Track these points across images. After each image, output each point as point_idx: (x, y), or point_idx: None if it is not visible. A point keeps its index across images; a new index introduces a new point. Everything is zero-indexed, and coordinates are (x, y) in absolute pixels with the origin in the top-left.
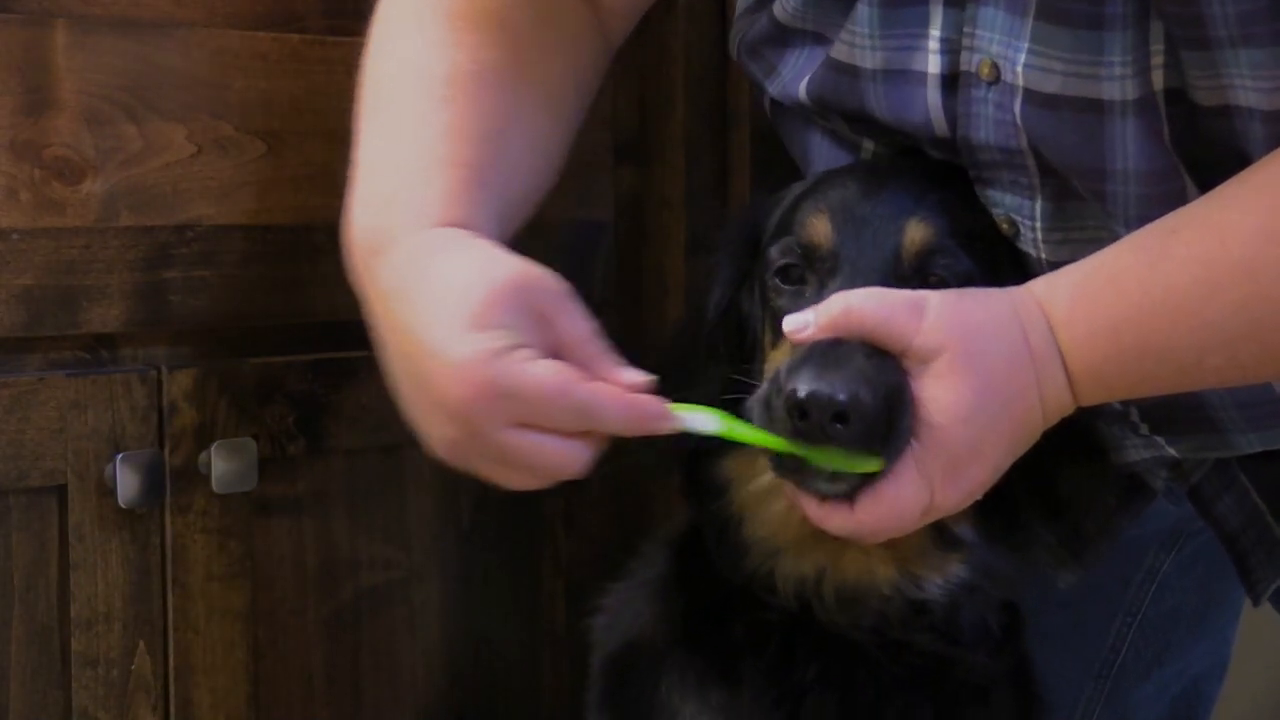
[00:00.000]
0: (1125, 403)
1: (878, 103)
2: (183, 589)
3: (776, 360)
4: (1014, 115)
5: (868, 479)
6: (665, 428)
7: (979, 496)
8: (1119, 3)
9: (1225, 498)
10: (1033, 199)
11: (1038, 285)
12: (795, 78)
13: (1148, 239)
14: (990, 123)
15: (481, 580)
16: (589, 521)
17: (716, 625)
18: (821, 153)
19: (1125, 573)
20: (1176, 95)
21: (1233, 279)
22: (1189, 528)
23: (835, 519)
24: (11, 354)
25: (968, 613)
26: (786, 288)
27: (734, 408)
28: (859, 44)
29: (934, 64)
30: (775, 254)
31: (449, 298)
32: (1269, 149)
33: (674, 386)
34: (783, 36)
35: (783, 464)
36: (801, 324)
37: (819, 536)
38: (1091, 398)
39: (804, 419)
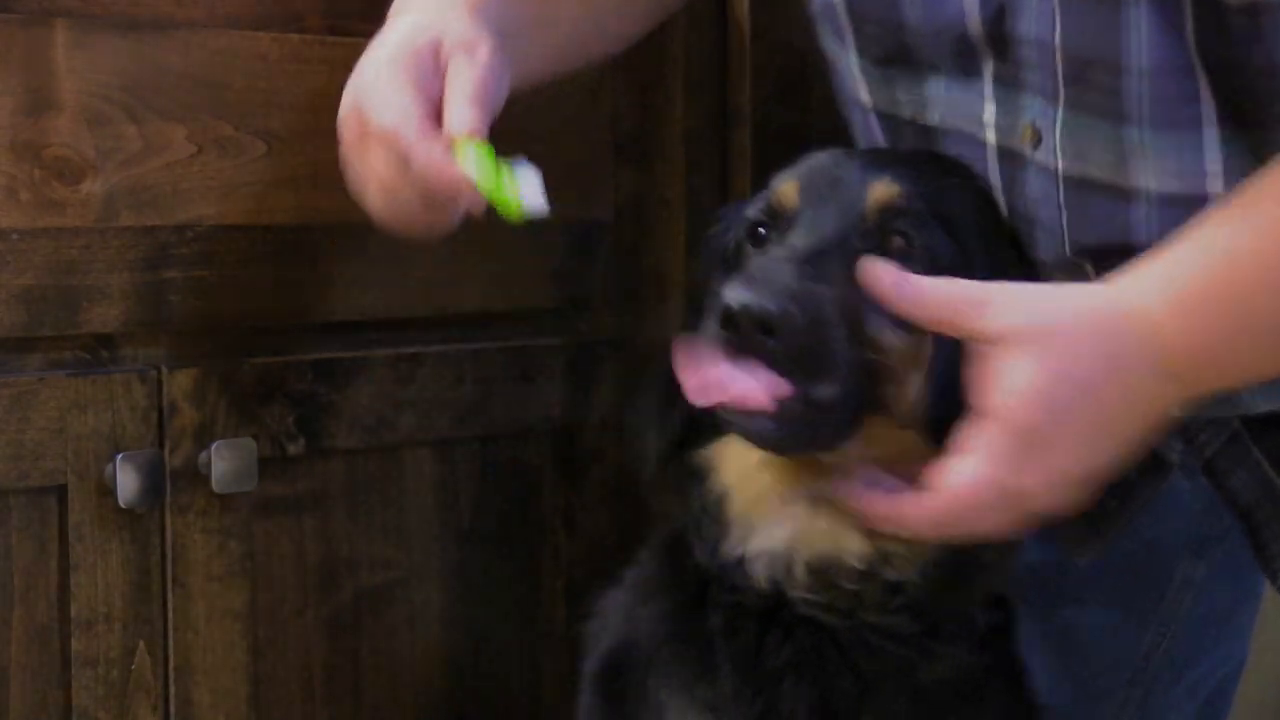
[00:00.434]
0: None
1: (912, 6)
2: (183, 589)
3: None
4: (1052, 3)
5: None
6: (450, 176)
7: (1080, 494)
8: None
9: (1239, 472)
10: (1055, 107)
11: (1121, 279)
12: None
13: (1222, 216)
14: (1034, 13)
15: (481, 580)
16: (589, 521)
17: (699, 618)
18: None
19: (1159, 585)
20: None
21: None
22: (1215, 530)
23: (903, 510)
24: (11, 354)
25: (947, 601)
26: (753, 250)
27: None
28: None
29: None
30: (748, 217)
31: (378, 46)
32: None
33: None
34: None
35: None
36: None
37: (789, 504)
38: (1199, 382)
39: (734, 330)
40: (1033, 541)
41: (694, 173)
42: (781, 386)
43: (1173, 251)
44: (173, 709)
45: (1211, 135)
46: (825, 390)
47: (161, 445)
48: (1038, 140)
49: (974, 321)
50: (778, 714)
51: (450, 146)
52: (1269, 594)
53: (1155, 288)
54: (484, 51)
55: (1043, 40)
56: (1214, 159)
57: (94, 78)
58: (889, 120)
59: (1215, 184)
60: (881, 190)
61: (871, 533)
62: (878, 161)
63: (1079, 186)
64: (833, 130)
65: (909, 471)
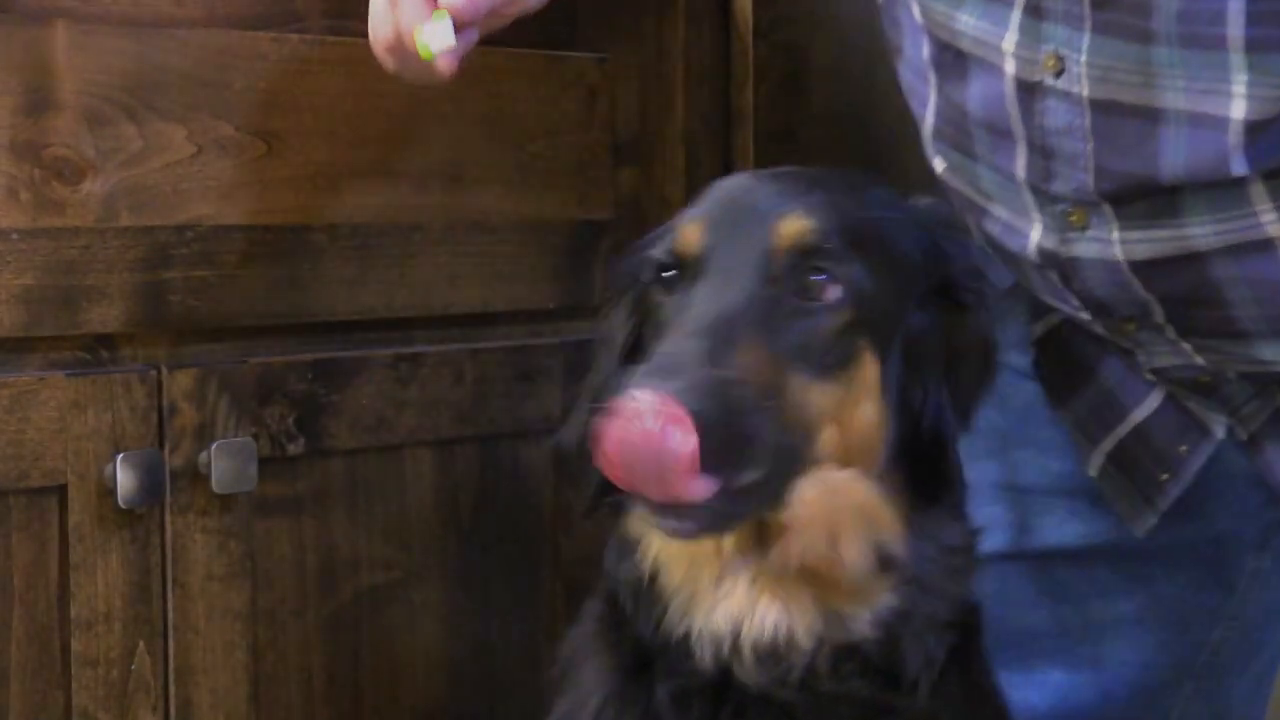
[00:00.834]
0: (1146, 302)
1: None
2: (183, 589)
3: None
4: None
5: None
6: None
7: None
8: None
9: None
10: (1082, 30)
11: None
12: None
13: None
14: None
15: (481, 580)
16: (589, 521)
17: (645, 690)
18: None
19: (1229, 579)
20: None
21: None
22: (1279, 519)
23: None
24: (11, 354)
25: (909, 645)
26: (666, 299)
27: None
28: None
29: None
30: (655, 258)
31: None
32: None
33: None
34: None
35: None
36: None
37: (730, 577)
38: None
39: None
40: (1099, 523)
41: (694, 173)
42: (701, 487)
43: None
44: (173, 709)
45: (1239, 58)
46: (750, 476)
47: (161, 445)
48: (1060, 69)
49: None
50: None
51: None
52: None
53: None
54: None
55: None
56: (1240, 80)
57: (94, 78)
58: (935, 41)
59: (1239, 106)
60: (791, 226)
61: (823, 599)
62: (789, 190)
63: (1107, 111)
64: (833, 130)
65: (860, 509)
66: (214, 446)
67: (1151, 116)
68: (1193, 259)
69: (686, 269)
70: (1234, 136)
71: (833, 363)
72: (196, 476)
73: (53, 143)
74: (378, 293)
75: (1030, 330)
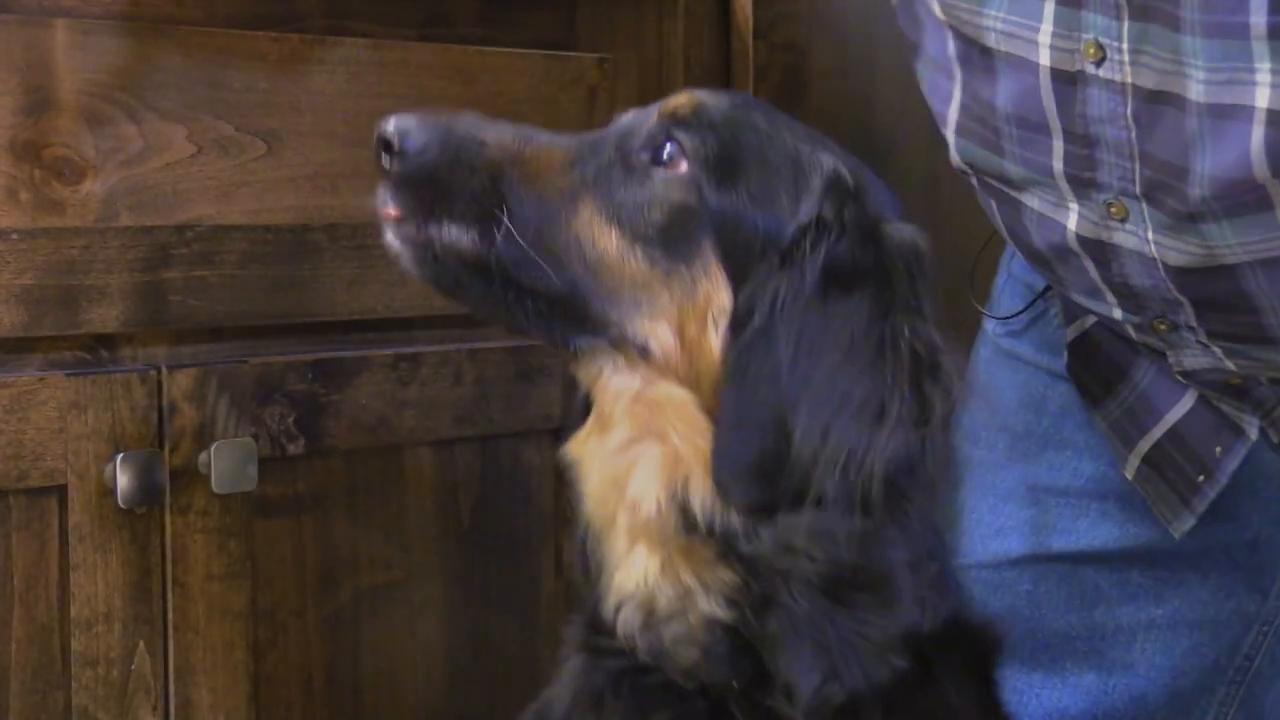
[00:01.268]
0: (1178, 302)
1: None
2: (183, 589)
3: None
4: None
5: None
6: None
7: None
8: None
9: None
10: (1120, 19)
11: None
12: None
13: None
14: None
15: (481, 580)
16: None
17: (599, 671)
18: None
19: (1263, 585)
20: None
21: None
22: None
23: None
24: (11, 354)
25: (789, 643)
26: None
27: None
28: None
29: None
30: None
31: None
32: None
33: None
34: None
35: None
36: None
37: (630, 544)
38: None
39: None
40: (1132, 527)
41: None
42: (390, 208)
43: None
44: (173, 709)
45: (1261, 46)
46: (450, 233)
47: (161, 445)
48: (1101, 57)
49: None
50: None
51: None
52: None
53: None
54: None
55: None
56: (1263, 68)
57: (94, 78)
58: (959, 37)
59: (1263, 95)
60: (679, 98)
61: (671, 567)
62: (737, 98)
63: (1150, 99)
64: (833, 130)
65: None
66: (214, 446)
67: (1181, 106)
68: (1223, 270)
69: None
70: (1258, 128)
71: (659, 237)
72: (196, 476)
73: (53, 143)
74: (378, 293)
75: (1064, 334)
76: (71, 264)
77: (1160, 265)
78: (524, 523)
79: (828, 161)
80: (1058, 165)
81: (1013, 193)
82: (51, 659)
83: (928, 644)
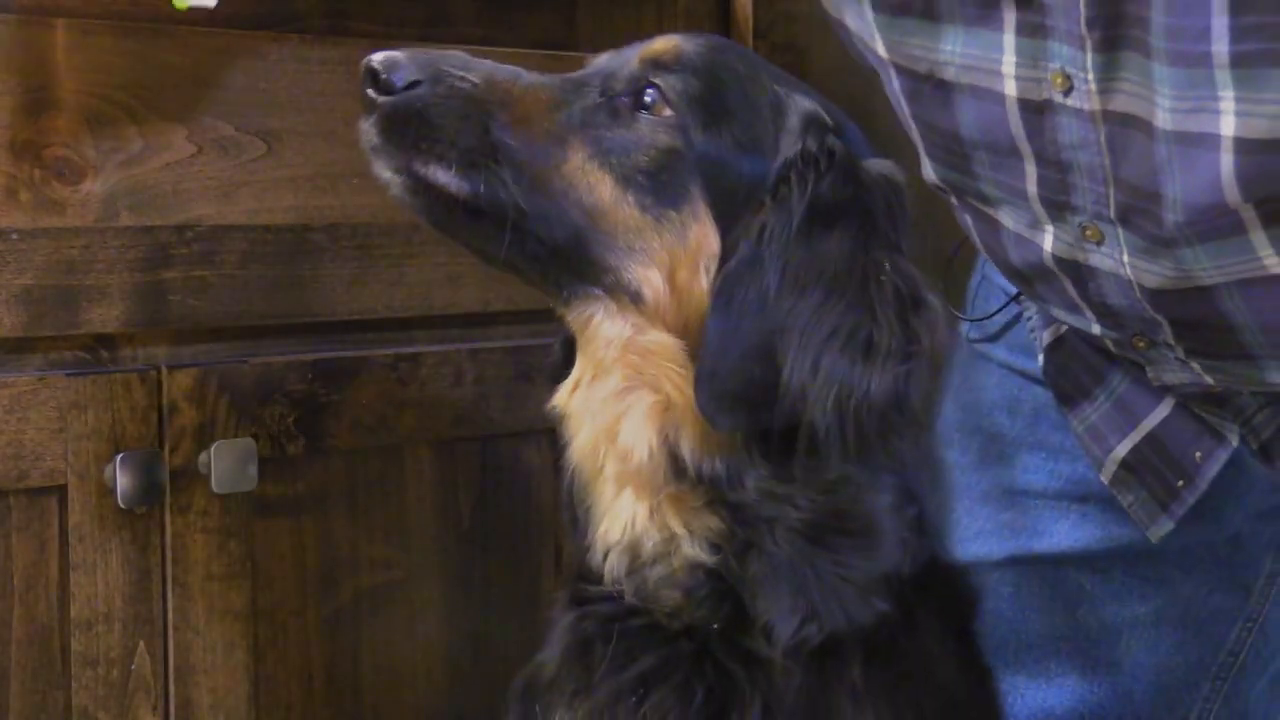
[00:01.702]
0: (1156, 322)
1: None
2: (183, 589)
3: None
4: None
5: None
6: None
7: None
8: None
9: None
10: (1084, 50)
11: None
12: None
13: None
14: None
15: (481, 580)
16: None
17: (588, 636)
18: None
19: (1247, 581)
20: None
21: None
22: None
23: None
24: (11, 354)
25: (768, 587)
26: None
27: None
28: None
29: None
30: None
31: None
32: None
33: None
34: None
35: None
36: None
37: (617, 490)
38: None
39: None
40: (1113, 527)
41: None
42: (377, 141)
43: None
44: (173, 709)
45: (1224, 75)
46: (440, 174)
47: (161, 445)
48: (1069, 86)
49: None
50: None
51: None
52: None
53: None
54: None
55: None
56: (1227, 96)
57: (94, 78)
58: (905, 74)
59: (1229, 123)
60: (659, 43)
61: (659, 512)
62: (703, 37)
63: (1122, 123)
64: None
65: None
66: (214, 446)
67: (1149, 133)
68: (1199, 291)
69: None
70: (1227, 155)
71: (649, 182)
72: (196, 476)
73: (53, 143)
74: (377, 293)
75: (1040, 337)
76: (71, 264)
77: (1136, 287)
78: (524, 523)
79: (805, 102)
80: (1031, 189)
81: (989, 210)
82: (51, 659)
83: (908, 586)
